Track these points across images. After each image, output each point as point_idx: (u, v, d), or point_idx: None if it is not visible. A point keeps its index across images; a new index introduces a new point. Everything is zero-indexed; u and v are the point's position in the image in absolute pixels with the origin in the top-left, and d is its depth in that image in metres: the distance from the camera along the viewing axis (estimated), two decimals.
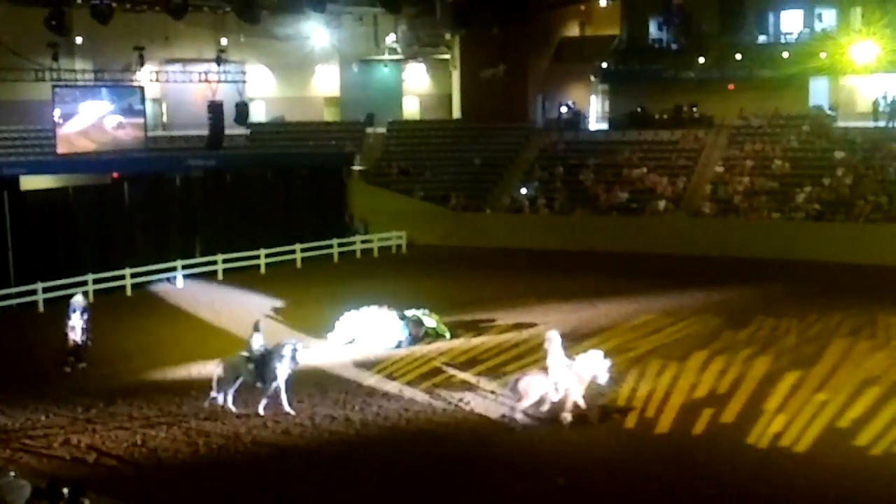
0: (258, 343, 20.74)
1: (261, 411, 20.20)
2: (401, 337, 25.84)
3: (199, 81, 43.70)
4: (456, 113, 53.42)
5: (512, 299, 31.04)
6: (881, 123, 43.98)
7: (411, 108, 56.77)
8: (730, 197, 42.05)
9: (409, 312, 26.55)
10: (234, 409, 20.38)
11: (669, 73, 49.11)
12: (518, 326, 27.71)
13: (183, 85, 46.24)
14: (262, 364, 20.34)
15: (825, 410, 19.98)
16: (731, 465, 17.39)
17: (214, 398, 20.48)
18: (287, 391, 20.38)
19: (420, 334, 26.28)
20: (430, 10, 50.12)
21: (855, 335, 26.20)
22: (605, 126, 51.78)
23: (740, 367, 23.18)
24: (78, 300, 24.98)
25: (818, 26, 48.17)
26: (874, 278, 33.85)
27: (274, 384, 20.26)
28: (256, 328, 21.16)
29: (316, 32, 51.05)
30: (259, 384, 20.42)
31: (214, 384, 20.52)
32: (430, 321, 26.61)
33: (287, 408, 20.20)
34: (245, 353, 20.69)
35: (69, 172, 39.23)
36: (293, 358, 20.27)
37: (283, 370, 20.23)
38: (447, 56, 54.08)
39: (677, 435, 18.82)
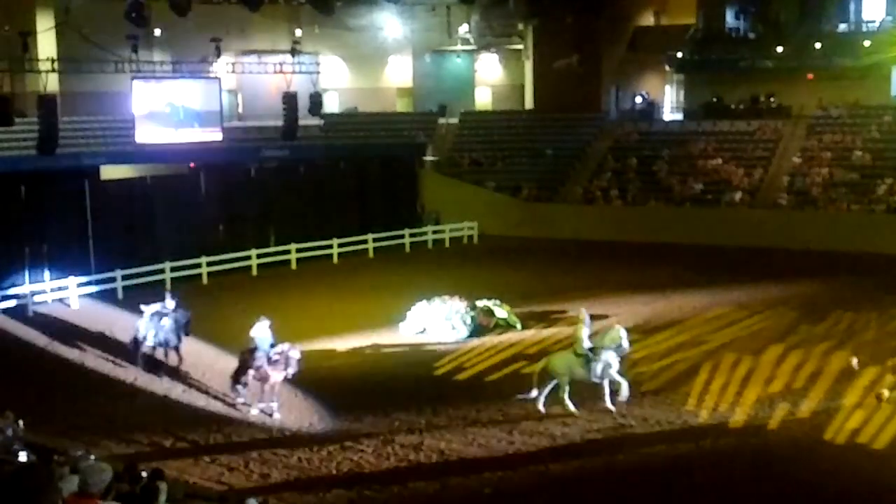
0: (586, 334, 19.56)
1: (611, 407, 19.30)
2: (472, 327, 25.87)
3: (274, 72, 44.10)
4: (528, 103, 53.21)
5: (583, 291, 30.82)
6: None
7: (483, 99, 56.71)
8: (807, 189, 41.28)
9: (481, 303, 26.58)
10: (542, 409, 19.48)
11: (746, 63, 48.32)
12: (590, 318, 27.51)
13: (258, 76, 46.74)
14: (591, 359, 19.29)
15: None
16: (808, 460, 17.13)
17: (529, 397, 19.45)
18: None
19: (491, 325, 26.28)
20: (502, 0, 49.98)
21: None
22: (679, 117, 51.17)
23: (817, 361, 22.77)
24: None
25: None
26: None
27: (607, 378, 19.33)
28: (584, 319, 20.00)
29: (389, 23, 51.25)
30: (595, 380, 19.39)
31: (536, 381, 19.50)
32: (502, 312, 26.60)
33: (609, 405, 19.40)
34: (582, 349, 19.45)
35: (148, 162, 39.95)
36: (619, 346, 19.39)
37: (614, 362, 19.38)
38: (520, 46, 53.88)
39: (752, 429, 18.57)
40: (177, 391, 21.70)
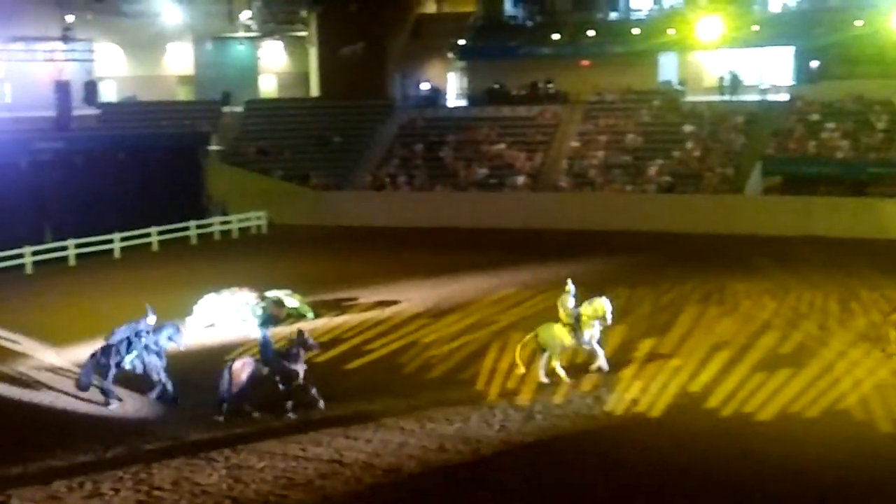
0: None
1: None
2: (262, 319, 25.55)
3: (45, 60, 42.00)
4: (314, 91, 52.99)
5: (374, 277, 31.07)
6: (726, 97, 45.62)
7: (268, 87, 56.04)
8: (585, 171, 43.00)
9: (271, 294, 26.28)
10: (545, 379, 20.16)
11: (525, 50, 49.87)
12: (381, 304, 27.77)
13: (27, 64, 44.38)
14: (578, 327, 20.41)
15: (678, 376, 20.71)
16: (591, 432, 17.84)
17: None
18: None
19: (282, 315, 26.04)
20: None
21: (705, 302, 27.24)
22: (463, 103, 52.18)
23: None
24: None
25: (666, 3, 49.70)
26: (723, 247, 35.19)
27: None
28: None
29: (167, 9, 49.77)
30: (585, 346, 20.67)
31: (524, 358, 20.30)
32: (293, 301, 26.40)
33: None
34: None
35: None
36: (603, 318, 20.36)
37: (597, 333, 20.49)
38: (304, 33, 53.54)
39: (537, 406, 19.19)
40: None
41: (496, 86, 49.92)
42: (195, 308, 25.93)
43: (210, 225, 40.76)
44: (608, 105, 46.77)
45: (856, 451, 16.65)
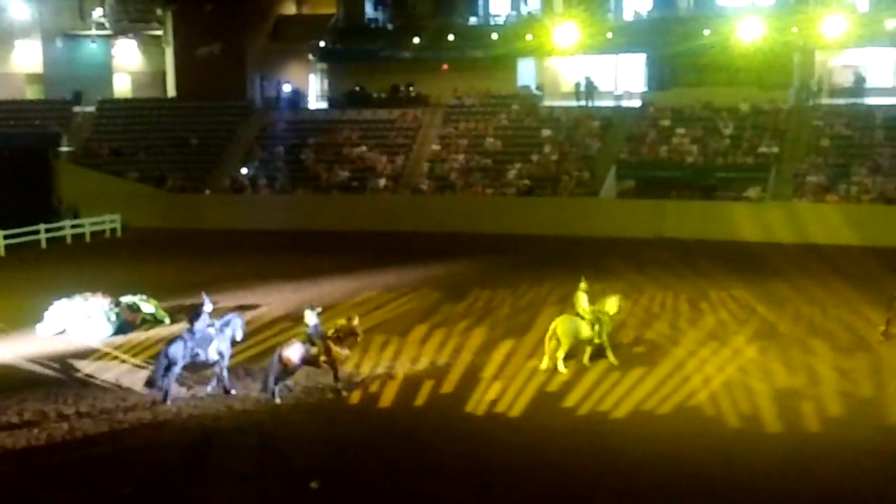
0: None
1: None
2: (117, 324, 24.85)
3: None
4: (171, 91, 51.83)
5: (234, 281, 30.59)
6: (582, 103, 46.69)
7: (122, 86, 54.52)
8: (446, 174, 43.36)
9: (126, 299, 25.58)
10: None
11: (386, 53, 49.94)
12: (240, 308, 27.31)
13: None
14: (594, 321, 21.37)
15: (536, 376, 21.08)
16: (451, 433, 17.99)
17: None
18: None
19: (137, 321, 25.38)
20: None
21: (562, 303, 27.72)
22: (324, 105, 51.90)
23: (458, 338, 24.00)
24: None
25: (524, 9, 50.45)
26: (579, 249, 35.99)
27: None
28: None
29: (14, 4, 47.90)
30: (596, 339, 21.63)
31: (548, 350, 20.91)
32: (149, 307, 25.76)
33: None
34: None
35: None
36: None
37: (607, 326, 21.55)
38: (160, 32, 52.32)
39: (400, 408, 19.25)
40: None
41: (357, 88, 49.85)
42: (46, 314, 25.03)
43: (61, 228, 39.40)
44: (468, 109, 47.27)
45: (706, 446, 17.27)
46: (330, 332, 19.91)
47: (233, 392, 19.71)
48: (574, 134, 44.17)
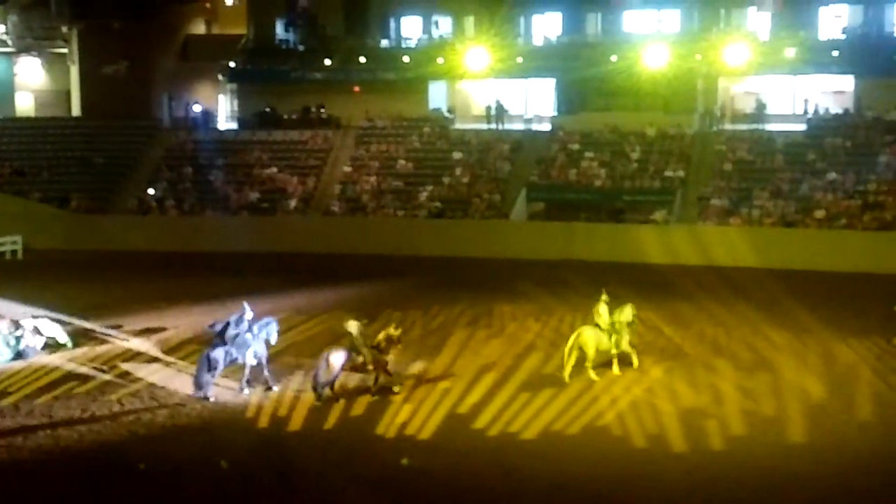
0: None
1: None
2: (15, 349, 24.16)
3: None
4: (76, 110, 50.81)
5: (140, 304, 30.07)
6: (493, 126, 47.09)
7: (25, 105, 53.24)
8: (358, 196, 43.28)
9: (27, 322, 24.90)
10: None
11: (297, 74, 49.71)
12: (147, 332, 26.87)
13: None
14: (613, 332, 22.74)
15: (447, 397, 21.14)
16: (363, 456, 17.92)
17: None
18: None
19: (39, 345, 24.71)
20: (44, 0, 47.39)
21: (473, 325, 27.94)
22: (234, 126, 51.42)
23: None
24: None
25: (435, 32, 50.75)
26: (490, 271, 36.21)
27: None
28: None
29: None
30: (614, 350, 22.93)
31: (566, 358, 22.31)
32: (51, 330, 25.09)
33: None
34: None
35: None
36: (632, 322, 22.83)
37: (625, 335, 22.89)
38: (65, 50, 51.28)
39: (309, 431, 19.11)
40: None
41: (267, 109, 49.46)
42: None
43: None
44: (380, 131, 47.28)
45: (613, 465, 17.51)
46: (375, 342, 21.52)
47: (274, 388, 21.37)
48: (485, 157, 44.50)
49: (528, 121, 47.16)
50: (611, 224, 40.35)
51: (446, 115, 48.50)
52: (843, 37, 45.03)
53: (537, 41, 49.79)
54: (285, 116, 49.05)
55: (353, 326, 21.40)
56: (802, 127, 43.08)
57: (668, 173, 41.74)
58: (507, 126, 47.04)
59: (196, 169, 45.26)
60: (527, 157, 44.38)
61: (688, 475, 16.98)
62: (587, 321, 23.31)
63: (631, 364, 23.09)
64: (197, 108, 50.26)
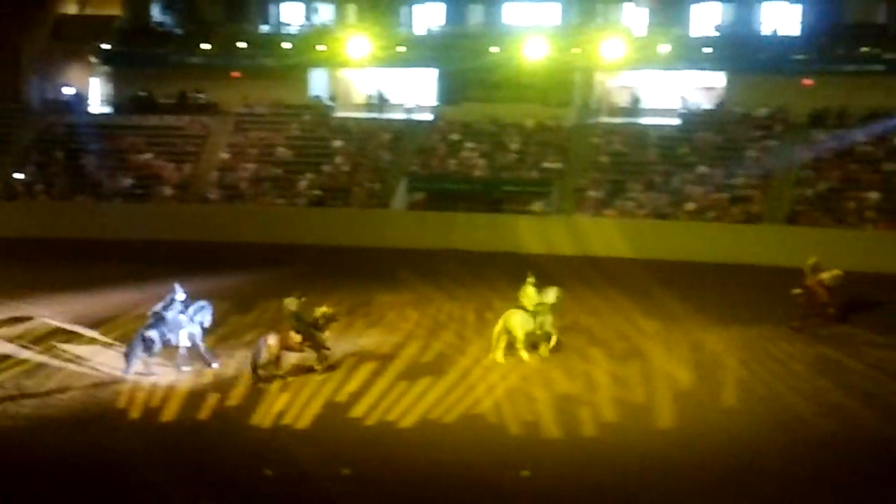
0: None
1: None
2: None
3: None
4: None
5: (5, 292, 29.04)
6: (374, 115, 47.00)
7: None
8: (236, 183, 42.68)
9: None
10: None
11: (174, 58, 48.53)
12: (12, 321, 26.03)
13: None
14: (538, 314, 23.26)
15: (325, 386, 21.10)
16: (237, 447, 17.76)
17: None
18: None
19: None
20: None
21: (352, 314, 27.88)
22: (108, 110, 50.02)
23: (245, 349, 23.62)
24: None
25: (316, 19, 50.28)
26: (370, 260, 36.16)
27: None
28: None
29: None
30: (538, 332, 23.52)
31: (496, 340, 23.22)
32: None
33: None
34: None
35: None
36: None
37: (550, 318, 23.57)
38: None
39: (182, 422, 18.83)
40: None
41: (143, 93, 48.24)
42: None
43: None
44: (259, 118, 46.61)
45: (490, 453, 17.77)
46: (312, 319, 22.14)
47: (214, 366, 22.04)
48: (366, 145, 44.34)
49: (410, 110, 47.18)
50: (490, 214, 40.74)
51: (327, 102, 48.12)
52: (716, 34, 46.35)
53: (419, 31, 49.82)
54: (161, 101, 47.92)
55: (292, 304, 22.07)
56: (675, 121, 44.20)
57: (547, 165, 42.34)
58: (389, 115, 46.99)
59: (68, 153, 43.90)
60: (407, 147, 44.44)
61: (561, 461, 17.35)
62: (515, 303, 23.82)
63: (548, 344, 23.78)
64: (68, 91, 48.69)
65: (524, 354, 23.19)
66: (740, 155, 40.79)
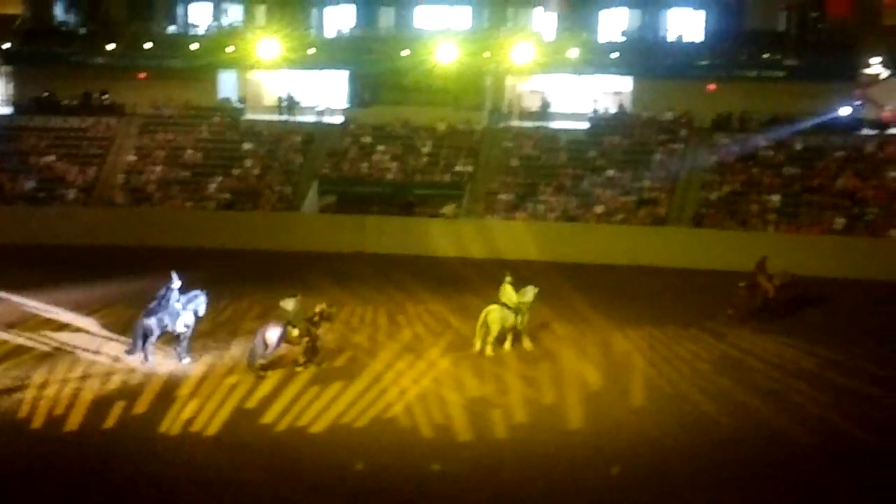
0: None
1: None
2: None
3: None
4: None
5: None
6: (284, 117, 46.63)
7: None
8: (143, 186, 41.92)
9: None
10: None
11: (78, 58, 47.58)
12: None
13: None
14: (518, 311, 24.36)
15: (235, 393, 20.84)
16: (144, 454, 17.43)
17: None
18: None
19: None
20: None
21: (263, 318, 27.48)
22: (8, 111, 48.70)
23: (154, 356, 23.21)
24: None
25: (225, 21, 49.76)
26: (281, 264, 35.76)
27: None
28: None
29: None
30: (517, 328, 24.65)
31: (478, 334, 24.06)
32: None
33: None
34: None
35: None
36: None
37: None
38: None
39: (87, 431, 18.41)
40: None
41: (45, 94, 47.08)
42: None
43: None
44: (166, 120, 45.82)
45: (402, 456, 17.76)
46: (309, 315, 22.80)
47: (184, 361, 22.44)
48: (276, 148, 43.92)
49: (321, 113, 46.93)
50: (402, 217, 40.71)
51: (236, 105, 47.58)
52: (623, 39, 47.16)
53: (330, 33, 49.68)
54: (65, 102, 46.80)
55: (289, 304, 22.73)
56: (585, 125, 44.78)
57: (458, 168, 42.52)
58: (299, 118, 46.63)
59: None
60: (318, 150, 44.18)
61: (472, 462, 17.43)
62: (496, 300, 24.67)
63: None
64: None
65: (489, 350, 24.05)
66: (647, 159, 41.49)
